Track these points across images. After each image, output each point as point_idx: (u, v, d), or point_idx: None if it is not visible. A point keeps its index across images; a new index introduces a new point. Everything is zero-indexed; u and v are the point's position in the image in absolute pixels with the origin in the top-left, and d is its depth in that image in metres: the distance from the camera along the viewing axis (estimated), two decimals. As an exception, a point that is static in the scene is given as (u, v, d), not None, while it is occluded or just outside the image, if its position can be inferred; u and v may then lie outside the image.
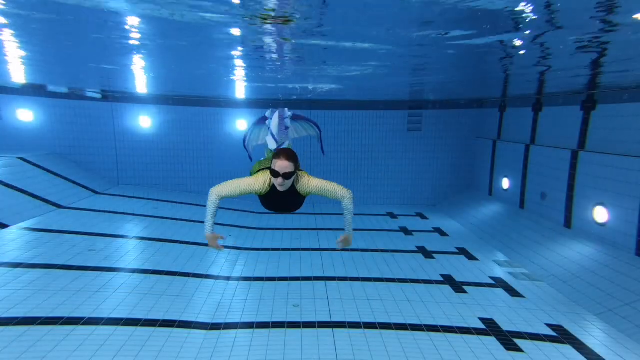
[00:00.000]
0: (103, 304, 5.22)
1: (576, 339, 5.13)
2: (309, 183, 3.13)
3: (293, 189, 3.10)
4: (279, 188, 3.02)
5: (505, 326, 5.39)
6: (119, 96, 11.27)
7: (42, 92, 10.83)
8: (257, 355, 4.62)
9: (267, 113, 3.78)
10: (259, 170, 3.30)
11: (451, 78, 6.82)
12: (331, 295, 6.17)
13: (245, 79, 7.10)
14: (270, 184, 3.10)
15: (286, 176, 2.93)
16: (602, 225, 7.05)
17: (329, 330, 5.18)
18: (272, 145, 3.62)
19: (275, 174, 2.95)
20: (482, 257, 8.11)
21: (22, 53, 5.23)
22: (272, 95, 10.37)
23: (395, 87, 8.43)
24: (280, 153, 2.96)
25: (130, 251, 7.21)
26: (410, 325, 5.35)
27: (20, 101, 10.83)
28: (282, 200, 3.18)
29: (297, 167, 3.00)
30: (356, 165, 12.47)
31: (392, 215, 11.35)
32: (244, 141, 4.02)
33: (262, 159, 3.89)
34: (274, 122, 3.63)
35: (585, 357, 4.73)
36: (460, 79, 7.02)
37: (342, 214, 3.24)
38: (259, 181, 3.10)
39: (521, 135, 9.97)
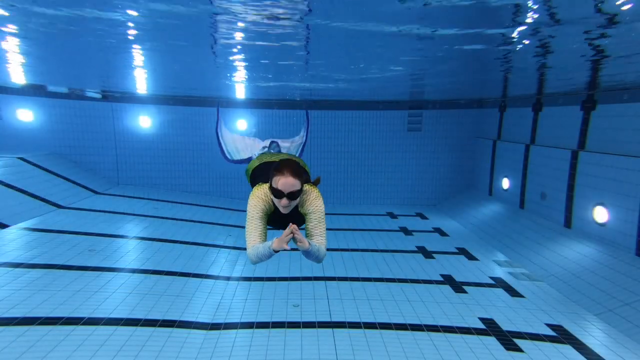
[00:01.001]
0: (103, 304, 5.22)
1: (576, 339, 5.13)
2: (316, 205, 2.55)
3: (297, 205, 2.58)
4: (282, 210, 2.45)
5: (505, 326, 5.39)
6: (119, 96, 11.26)
7: (42, 92, 10.82)
8: (257, 355, 4.62)
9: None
10: (253, 174, 2.96)
11: (453, 70, 6.65)
12: (331, 295, 6.17)
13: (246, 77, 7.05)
14: (270, 199, 2.53)
15: (291, 196, 2.37)
16: (602, 225, 7.05)
17: (329, 330, 5.18)
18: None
19: (277, 193, 2.37)
20: (482, 257, 8.11)
21: (21, 53, 5.22)
22: (272, 95, 10.36)
23: (396, 87, 8.40)
24: (283, 166, 2.39)
25: (130, 251, 7.22)
26: (410, 325, 5.35)
27: (20, 101, 10.82)
28: (284, 215, 2.59)
29: (304, 181, 2.48)
30: (356, 165, 12.44)
31: (392, 215, 11.35)
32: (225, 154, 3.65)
33: (260, 153, 3.51)
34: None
35: (585, 357, 4.74)
36: (463, 73, 6.87)
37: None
38: (260, 196, 2.53)
39: (521, 135, 9.97)
